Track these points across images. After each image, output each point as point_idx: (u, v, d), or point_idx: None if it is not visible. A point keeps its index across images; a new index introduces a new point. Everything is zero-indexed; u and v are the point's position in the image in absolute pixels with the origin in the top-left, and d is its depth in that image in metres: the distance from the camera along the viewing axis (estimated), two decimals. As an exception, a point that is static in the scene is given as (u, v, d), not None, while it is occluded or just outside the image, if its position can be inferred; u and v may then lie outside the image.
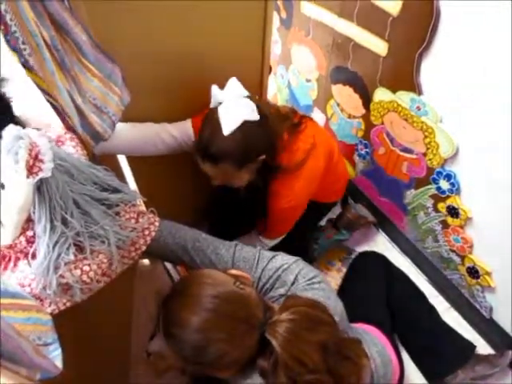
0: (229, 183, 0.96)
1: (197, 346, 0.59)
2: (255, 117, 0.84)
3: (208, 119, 0.86)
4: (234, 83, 0.87)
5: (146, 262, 1.34)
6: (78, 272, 0.57)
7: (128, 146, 0.93)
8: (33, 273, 0.54)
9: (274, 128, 0.91)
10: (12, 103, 0.70)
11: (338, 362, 0.62)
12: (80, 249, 0.58)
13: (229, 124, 0.82)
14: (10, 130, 0.50)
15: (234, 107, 0.82)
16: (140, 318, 1.22)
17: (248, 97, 0.87)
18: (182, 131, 0.97)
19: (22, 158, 0.47)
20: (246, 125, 0.83)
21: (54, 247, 0.53)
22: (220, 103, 0.85)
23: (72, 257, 0.55)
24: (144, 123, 0.96)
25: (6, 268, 0.54)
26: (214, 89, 0.86)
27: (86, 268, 0.57)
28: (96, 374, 0.89)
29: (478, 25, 0.80)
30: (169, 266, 1.34)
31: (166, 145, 0.97)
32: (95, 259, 0.58)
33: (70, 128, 0.72)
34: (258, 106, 0.86)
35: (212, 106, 0.88)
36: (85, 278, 0.57)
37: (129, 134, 0.92)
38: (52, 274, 0.53)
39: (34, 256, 0.55)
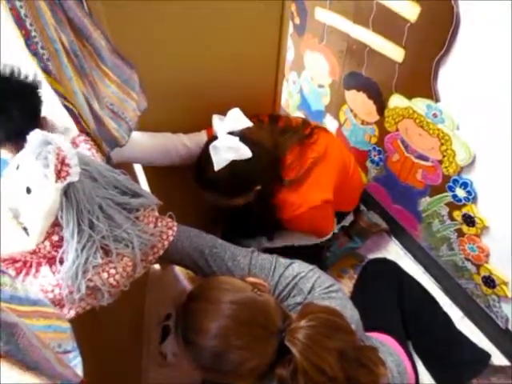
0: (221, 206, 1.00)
1: (216, 353, 0.58)
2: (246, 155, 0.85)
3: (205, 147, 0.89)
4: (235, 114, 0.88)
5: (157, 267, 1.33)
6: (106, 275, 0.57)
7: (144, 155, 0.93)
8: (59, 278, 0.54)
9: (273, 155, 0.93)
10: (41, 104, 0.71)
11: (356, 370, 0.61)
12: (105, 252, 0.58)
13: (218, 162, 0.85)
14: (37, 134, 0.50)
15: (223, 147, 0.85)
16: (151, 324, 1.22)
17: (248, 128, 0.88)
18: (197, 143, 0.98)
19: (51, 163, 0.47)
20: (235, 163, 0.85)
21: (82, 251, 0.53)
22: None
23: (100, 260, 0.55)
24: (160, 133, 0.96)
25: (27, 274, 0.54)
26: (215, 118, 0.88)
27: (113, 271, 0.57)
28: (108, 379, 0.88)
29: (497, 31, 0.79)
30: (179, 273, 1.33)
31: (181, 156, 0.98)
32: (120, 262, 0.58)
33: (83, 131, 0.72)
34: (253, 142, 0.87)
35: (213, 133, 0.90)
36: (111, 280, 0.57)
37: (145, 143, 0.92)
38: (81, 278, 0.53)
39: (60, 261, 0.55)
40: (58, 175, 0.49)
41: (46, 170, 0.48)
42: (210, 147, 0.85)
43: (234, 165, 0.85)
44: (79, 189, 0.51)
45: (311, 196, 0.96)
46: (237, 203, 0.97)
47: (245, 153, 0.85)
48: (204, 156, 0.89)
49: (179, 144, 0.97)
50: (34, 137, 0.50)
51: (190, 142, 0.98)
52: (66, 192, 0.51)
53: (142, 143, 0.92)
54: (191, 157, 0.99)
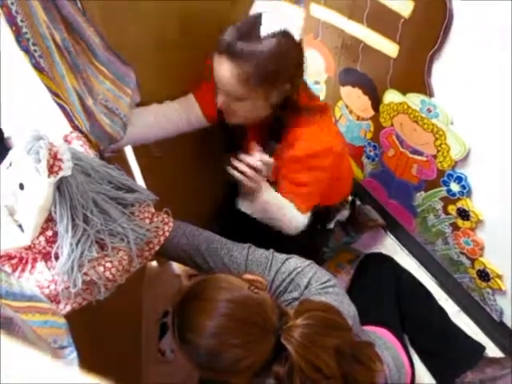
0: (241, 108, 0.84)
1: (212, 351, 0.58)
2: (297, 34, 0.75)
3: (248, 19, 0.76)
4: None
5: (154, 264, 1.34)
6: (101, 269, 0.57)
7: (138, 133, 0.90)
8: (55, 273, 0.54)
9: (305, 63, 0.84)
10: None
11: (352, 366, 0.61)
12: (101, 246, 0.59)
13: (269, 25, 0.71)
14: (29, 130, 0.50)
15: (280, 10, 0.73)
16: (149, 321, 1.22)
17: None
18: (187, 107, 0.94)
19: (43, 157, 0.48)
20: (285, 36, 0.74)
21: (77, 245, 0.53)
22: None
23: (95, 254, 0.55)
24: (147, 107, 0.91)
25: (23, 270, 0.54)
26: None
27: (108, 265, 0.58)
28: (107, 375, 0.89)
29: (490, 26, 0.79)
30: (177, 269, 1.34)
31: (175, 125, 0.94)
32: (116, 256, 0.58)
33: (75, 128, 0.72)
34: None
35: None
36: (107, 274, 0.58)
37: (136, 121, 0.88)
38: (76, 272, 0.53)
39: (55, 256, 0.55)
40: (51, 170, 0.49)
41: (37, 165, 0.48)
42: (264, 6, 0.73)
43: (282, 36, 0.74)
44: (72, 184, 0.51)
45: (324, 143, 0.89)
46: (256, 106, 0.84)
47: (298, 30, 0.75)
48: (246, 23, 0.75)
49: (170, 111, 0.93)
50: (27, 132, 0.50)
51: (181, 106, 0.95)
52: (59, 187, 0.51)
53: (132, 121, 0.87)
54: (187, 123, 0.96)
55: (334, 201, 1.20)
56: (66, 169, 0.49)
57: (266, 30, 0.72)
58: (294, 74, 0.81)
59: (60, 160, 0.50)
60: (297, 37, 0.75)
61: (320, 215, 1.12)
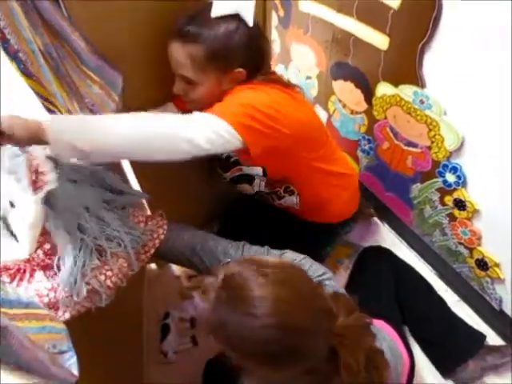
0: (196, 95, 0.82)
1: (271, 334, 0.53)
2: (249, 20, 0.76)
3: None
4: None
5: (153, 267, 1.34)
6: (103, 277, 0.57)
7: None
8: (56, 283, 0.54)
9: (266, 50, 0.85)
10: None
11: (370, 371, 0.61)
12: (99, 252, 0.58)
13: (219, 7, 0.73)
14: (6, 149, 0.50)
15: None
16: (150, 323, 1.23)
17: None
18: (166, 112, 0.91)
19: (23, 176, 0.47)
20: (234, 20, 0.76)
21: (78, 256, 0.53)
22: None
23: (96, 261, 0.55)
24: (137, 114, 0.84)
25: (22, 279, 0.54)
26: None
27: (109, 273, 0.58)
28: (109, 377, 0.89)
29: (480, 16, 0.79)
30: (176, 271, 1.34)
31: None
32: (116, 263, 0.58)
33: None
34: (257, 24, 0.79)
35: None
36: (108, 282, 0.58)
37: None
38: (80, 281, 0.53)
39: (53, 268, 0.55)
40: (35, 186, 0.49)
41: (20, 185, 0.47)
42: None
43: (233, 23, 0.76)
44: (61, 194, 0.51)
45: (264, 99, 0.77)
46: (206, 86, 0.81)
47: (250, 18, 0.76)
48: (200, 10, 0.76)
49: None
50: (5, 153, 0.49)
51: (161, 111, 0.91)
52: (49, 200, 0.50)
53: None
54: None
55: (342, 216, 1.17)
56: (51, 182, 0.48)
57: (215, 14, 0.74)
58: (247, 58, 0.79)
59: (42, 173, 0.49)
60: (249, 22, 0.76)
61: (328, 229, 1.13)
